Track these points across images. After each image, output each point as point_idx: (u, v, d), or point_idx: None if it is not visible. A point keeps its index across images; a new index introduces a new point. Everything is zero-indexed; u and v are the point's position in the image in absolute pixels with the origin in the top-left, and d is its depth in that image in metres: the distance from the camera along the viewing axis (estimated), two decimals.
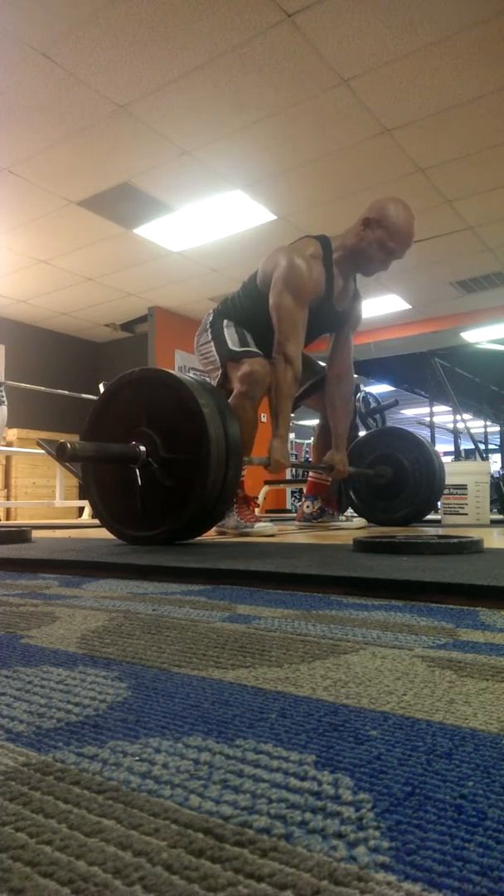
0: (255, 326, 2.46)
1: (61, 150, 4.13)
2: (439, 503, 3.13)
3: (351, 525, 2.91)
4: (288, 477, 8.39)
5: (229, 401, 2.45)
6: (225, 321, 2.51)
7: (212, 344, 2.49)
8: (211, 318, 2.59)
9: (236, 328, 2.48)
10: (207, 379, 2.44)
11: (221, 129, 3.90)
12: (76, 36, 3.15)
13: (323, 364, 2.83)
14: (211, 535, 2.44)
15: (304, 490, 3.04)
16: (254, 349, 2.39)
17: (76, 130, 3.92)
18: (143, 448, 1.80)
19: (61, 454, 1.62)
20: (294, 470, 9.30)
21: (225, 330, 2.47)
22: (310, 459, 3.12)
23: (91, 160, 4.25)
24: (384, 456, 3.10)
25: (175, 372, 1.88)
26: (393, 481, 3.05)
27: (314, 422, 3.98)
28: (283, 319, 2.30)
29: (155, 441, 1.81)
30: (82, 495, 6.66)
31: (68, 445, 1.62)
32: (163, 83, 3.50)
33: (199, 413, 1.72)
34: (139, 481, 1.81)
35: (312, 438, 3.18)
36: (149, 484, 1.82)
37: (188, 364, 7.46)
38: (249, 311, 2.50)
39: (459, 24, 3.09)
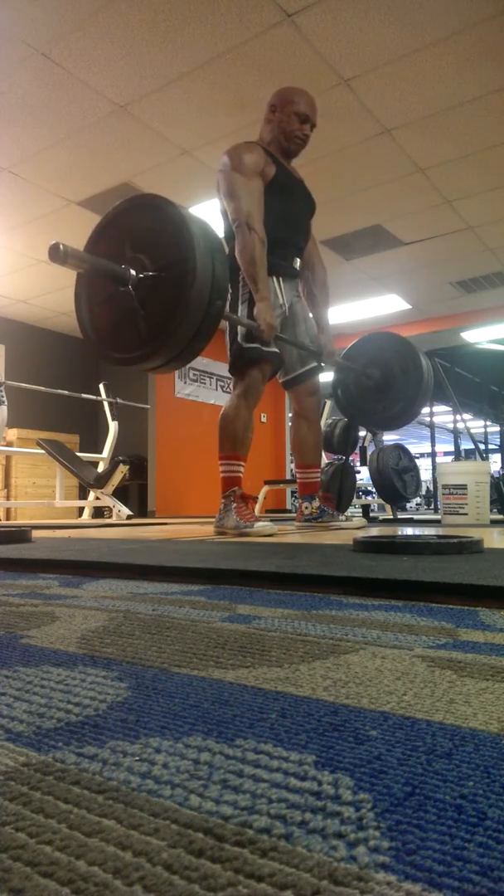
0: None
1: (61, 150, 4.13)
2: (440, 502, 3.13)
3: (351, 525, 2.91)
4: (288, 477, 8.38)
5: (228, 402, 2.51)
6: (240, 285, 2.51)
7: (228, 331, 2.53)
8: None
9: (242, 292, 2.49)
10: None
11: (221, 129, 3.90)
12: (76, 36, 3.15)
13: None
14: (211, 534, 2.44)
15: (298, 492, 3.04)
16: (256, 344, 2.41)
17: (76, 130, 3.92)
18: (133, 271, 1.83)
19: (54, 253, 1.65)
20: (294, 470, 9.30)
21: (239, 301, 2.49)
22: (294, 471, 3.14)
23: (91, 160, 4.25)
24: (371, 362, 3.18)
25: (157, 195, 1.92)
26: (381, 381, 3.14)
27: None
28: (238, 190, 2.37)
29: (142, 261, 1.84)
30: (82, 495, 6.67)
31: (61, 246, 1.66)
32: (163, 83, 3.50)
33: (178, 214, 1.77)
34: (135, 299, 1.83)
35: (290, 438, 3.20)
36: (143, 302, 1.84)
37: (188, 364, 7.46)
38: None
39: (459, 24, 3.09)
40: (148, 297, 1.83)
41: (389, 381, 3.12)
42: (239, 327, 2.48)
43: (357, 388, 3.22)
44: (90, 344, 1.99)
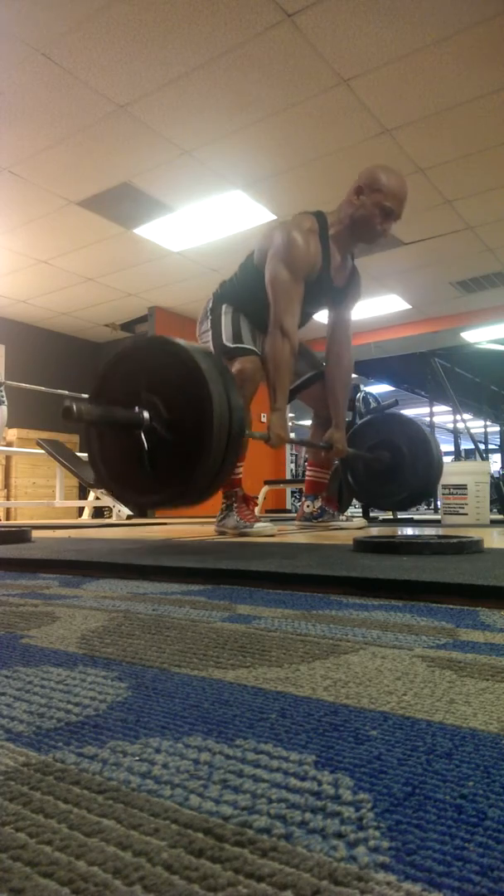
0: (254, 305, 2.45)
1: (61, 150, 4.13)
2: (439, 502, 3.13)
3: (351, 525, 2.91)
4: (288, 477, 8.39)
5: None
6: (224, 306, 2.52)
7: (209, 333, 2.50)
8: (211, 305, 2.60)
9: (233, 316, 2.48)
10: None
11: (221, 129, 3.90)
12: (76, 36, 3.15)
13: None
14: (211, 534, 2.44)
15: (304, 489, 3.05)
16: (247, 345, 2.40)
17: (76, 130, 3.92)
18: (146, 414, 1.81)
19: (67, 415, 1.63)
20: (294, 470, 9.32)
21: (222, 318, 2.48)
22: (307, 459, 3.13)
23: (91, 160, 4.25)
24: (382, 442, 3.10)
25: (169, 337, 1.89)
26: (391, 465, 3.05)
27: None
28: (279, 293, 2.31)
29: (157, 405, 1.82)
30: (82, 495, 6.66)
31: (74, 406, 1.63)
32: (163, 83, 3.50)
33: (198, 368, 1.74)
34: (146, 446, 1.82)
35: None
36: (155, 448, 1.83)
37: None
38: (248, 290, 2.50)
39: (459, 24, 3.09)
40: (158, 447, 1.82)
41: (397, 468, 3.03)
42: (223, 326, 2.43)
43: (367, 470, 3.13)
44: (107, 488, 1.98)
